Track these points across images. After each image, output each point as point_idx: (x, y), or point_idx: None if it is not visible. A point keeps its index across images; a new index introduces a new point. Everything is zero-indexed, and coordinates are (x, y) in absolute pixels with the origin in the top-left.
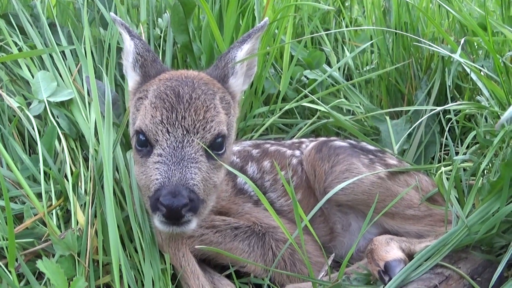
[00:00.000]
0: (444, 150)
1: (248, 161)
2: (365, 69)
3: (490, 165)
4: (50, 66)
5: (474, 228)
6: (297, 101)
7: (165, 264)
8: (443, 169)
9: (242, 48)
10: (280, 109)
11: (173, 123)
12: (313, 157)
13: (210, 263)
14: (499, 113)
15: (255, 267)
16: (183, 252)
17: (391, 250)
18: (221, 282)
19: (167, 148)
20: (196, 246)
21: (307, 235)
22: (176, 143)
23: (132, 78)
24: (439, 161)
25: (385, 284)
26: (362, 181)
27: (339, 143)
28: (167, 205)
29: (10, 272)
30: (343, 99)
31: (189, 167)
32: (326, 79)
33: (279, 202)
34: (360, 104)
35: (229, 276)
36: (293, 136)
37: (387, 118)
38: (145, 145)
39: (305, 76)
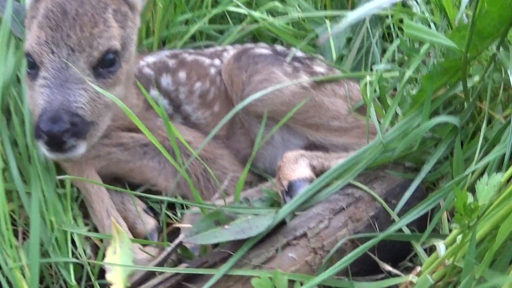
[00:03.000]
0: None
1: (162, 73)
2: None
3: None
4: None
5: (392, 144)
6: None
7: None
8: (368, 78)
9: None
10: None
11: (57, 43)
12: (232, 67)
13: (122, 183)
14: (428, 19)
15: (166, 185)
16: (87, 174)
17: (297, 168)
18: (131, 202)
19: (51, 69)
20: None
21: (223, 149)
22: (60, 64)
23: None
24: None
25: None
26: (282, 91)
27: (260, 50)
28: (47, 132)
29: None
30: (277, 3)
31: (72, 89)
32: None
33: (195, 115)
34: (298, 7)
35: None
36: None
37: (327, 21)
38: (33, 67)
39: None
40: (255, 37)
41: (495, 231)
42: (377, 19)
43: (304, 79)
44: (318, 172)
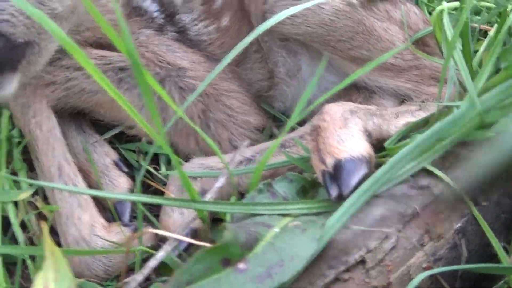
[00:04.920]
0: None
1: None
2: None
3: None
4: None
5: (491, 115)
6: None
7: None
8: (445, 4)
9: None
10: None
11: None
12: None
13: (88, 119)
14: None
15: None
16: (34, 110)
17: (348, 137)
18: (96, 150)
19: None
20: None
21: (232, 81)
22: None
23: None
24: None
25: (338, 200)
26: (321, 7)
27: None
28: None
29: None
30: None
31: None
32: None
33: (195, 28)
34: None
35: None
36: None
37: None
38: None
39: None
40: None
41: None
42: None
43: None
44: (373, 141)
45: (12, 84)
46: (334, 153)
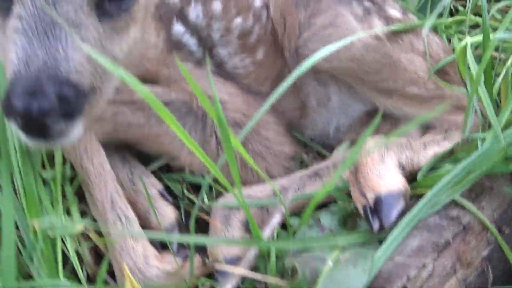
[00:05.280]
0: None
1: (190, 1)
2: None
3: None
4: None
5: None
6: None
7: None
8: (468, 39)
9: None
10: None
11: None
12: (285, 0)
13: (132, 151)
14: None
15: (192, 160)
16: (85, 145)
17: (386, 173)
18: (143, 180)
19: (30, 6)
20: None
21: (268, 114)
22: None
23: None
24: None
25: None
26: (352, 43)
27: None
28: (22, 111)
29: None
30: None
31: (63, 38)
32: None
33: (232, 62)
34: None
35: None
36: None
37: None
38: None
39: None
40: None
41: None
42: None
43: (379, 26)
44: (407, 173)
45: (78, 129)
46: (374, 188)
